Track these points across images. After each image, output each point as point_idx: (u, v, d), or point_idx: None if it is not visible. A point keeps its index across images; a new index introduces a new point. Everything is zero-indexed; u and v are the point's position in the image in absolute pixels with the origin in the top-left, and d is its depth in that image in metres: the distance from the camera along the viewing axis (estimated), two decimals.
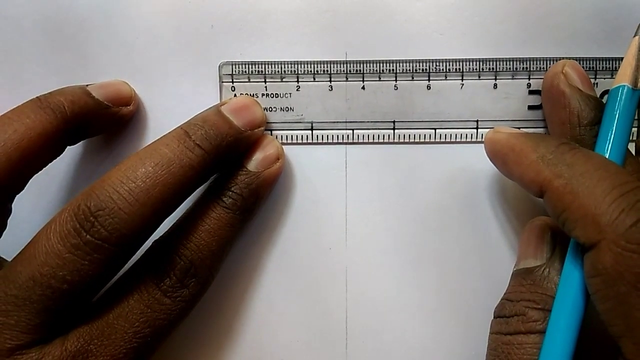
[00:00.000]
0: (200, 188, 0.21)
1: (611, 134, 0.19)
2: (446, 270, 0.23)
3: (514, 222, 0.23)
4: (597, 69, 0.22)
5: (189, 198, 0.20)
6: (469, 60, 0.23)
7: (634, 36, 0.20)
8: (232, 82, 0.23)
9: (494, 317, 0.20)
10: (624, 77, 0.20)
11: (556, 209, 0.17)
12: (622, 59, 0.22)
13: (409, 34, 0.23)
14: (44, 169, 0.21)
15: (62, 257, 0.18)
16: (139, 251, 0.20)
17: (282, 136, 0.23)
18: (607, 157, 0.19)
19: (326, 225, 0.23)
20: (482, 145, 0.21)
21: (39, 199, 0.24)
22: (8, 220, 0.21)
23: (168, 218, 0.20)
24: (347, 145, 0.23)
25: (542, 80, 0.22)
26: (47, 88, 0.21)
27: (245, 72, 0.23)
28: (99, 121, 0.22)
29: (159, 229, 0.20)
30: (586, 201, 0.17)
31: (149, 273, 0.20)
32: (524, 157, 0.19)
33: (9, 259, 0.20)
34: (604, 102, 0.20)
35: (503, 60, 0.23)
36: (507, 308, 0.19)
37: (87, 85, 0.22)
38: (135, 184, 0.19)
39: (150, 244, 0.20)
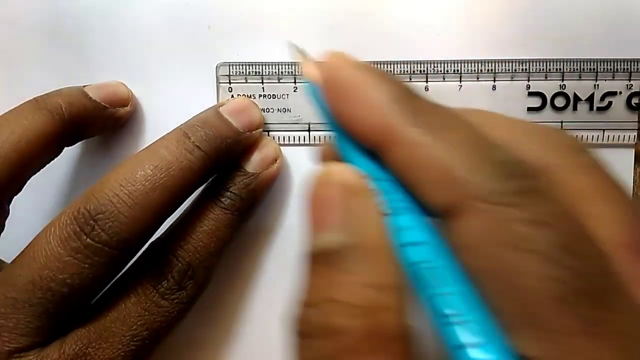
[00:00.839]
0: (198, 189, 0.21)
1: None
2: None
3: None
4: (598, 70, 0.22)
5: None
6: (467, 61, 0.22)
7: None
8: (229, 82, 0.23)
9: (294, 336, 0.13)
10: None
11: (406, 167, 0.13)
12: (623, 60, 0.21)
13: (406, 35, 0.22)
14: (42, 170, 0.21)
15: (62, 260, 0.18)
16: None
17: (279, 137, 0.23)
18: None
19: None
20: None
21: (37, 200, 0.24)
22: (6, 222, 0.21)
23: None
24: None
25: (542, 82, 0.22)
26: (45, 89, 0.21)
27: (243, 73, 0.23)
28: (97, 122, 0.22)
29: None
30: (449, 156, 0.13)
31: (146, 275, 0.20)
32: (369, 94, 0.14)
33: (7, 260, 0.20)
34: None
35: (502, 62, 0.22)
36: (311, 317, 0.13)
37: (84, 86, 0.22)
38: (134, 187, 0.19)
39: (148, 245, 0.20)
